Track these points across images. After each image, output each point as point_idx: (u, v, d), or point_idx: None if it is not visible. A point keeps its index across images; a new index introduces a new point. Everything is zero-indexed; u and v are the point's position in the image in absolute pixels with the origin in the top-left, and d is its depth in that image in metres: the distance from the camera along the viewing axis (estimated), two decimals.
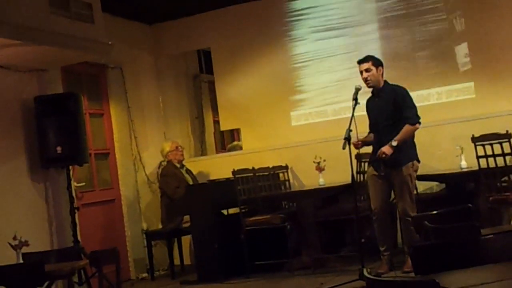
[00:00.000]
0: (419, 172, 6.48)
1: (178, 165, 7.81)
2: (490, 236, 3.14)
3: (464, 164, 6.54)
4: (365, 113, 6.15)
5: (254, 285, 6.41)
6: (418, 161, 5.99)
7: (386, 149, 5.75)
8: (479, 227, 3.89)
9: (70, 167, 6.54)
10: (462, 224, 3.95)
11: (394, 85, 6.11)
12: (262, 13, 8.35)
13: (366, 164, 6.38)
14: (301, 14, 8.21)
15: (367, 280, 2.49)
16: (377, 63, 5.95)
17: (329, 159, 7.08)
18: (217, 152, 9.54)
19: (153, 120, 8.51)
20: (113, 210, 7.67)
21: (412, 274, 3.26)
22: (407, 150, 5.86)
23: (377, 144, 5.93)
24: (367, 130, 6.18)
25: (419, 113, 5.97)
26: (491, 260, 2.88)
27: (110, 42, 6.56)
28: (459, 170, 6.52)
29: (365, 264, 5.58)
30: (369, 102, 6.11)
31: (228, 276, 6.73)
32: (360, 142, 5.87)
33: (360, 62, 6.01)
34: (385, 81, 6.03)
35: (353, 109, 5.74)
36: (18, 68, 6.38)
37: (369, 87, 6.00)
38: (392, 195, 6.07)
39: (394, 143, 5.72)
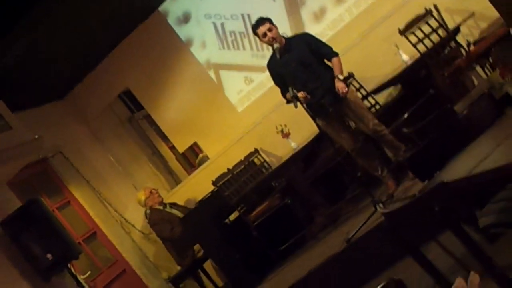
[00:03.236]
0: (373, 87, 6.50)
1: (161, 207, 7.66)
2: (465, 111, 3.15)
3: (406, 57, 6.55)
4: None
5: (292, 267, 6.36)
6: None
7: (340, 84, 5.45)
8: (451, 107, 3.92)
9: (69, 265, 6.42)
10: (435, 113, 3.98)
11: (295, 35, 5.97)
12: (151, 32, 8.27)
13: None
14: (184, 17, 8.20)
15: (384, 216, 2.48)
16: (272, 21, 5.68)
17: (289, 122, 7.06)
18: (189, 173, 9.47)
19: (116, 180, 8.40)
20: (129, 279, 7.59)
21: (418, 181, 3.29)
22: None
23: (313, 92, 5.59)
24: None
25: (344, 37, 5.93)
26: (479, 131, 2.90)
27: (36, 136, 6.41)
28: (405, 65, 6.55)
29: (373, 192, 5.53)
30: (274, 63, 5.71)
31: (264, 275, 6.71)
32: (306, 95, 5.65)
33: (257, 26, 5.63)
34: (283, 37, 5.75)
35: None
36: None
37: (276, 45, 5.62)
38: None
39: (341, 77, 5.56)
